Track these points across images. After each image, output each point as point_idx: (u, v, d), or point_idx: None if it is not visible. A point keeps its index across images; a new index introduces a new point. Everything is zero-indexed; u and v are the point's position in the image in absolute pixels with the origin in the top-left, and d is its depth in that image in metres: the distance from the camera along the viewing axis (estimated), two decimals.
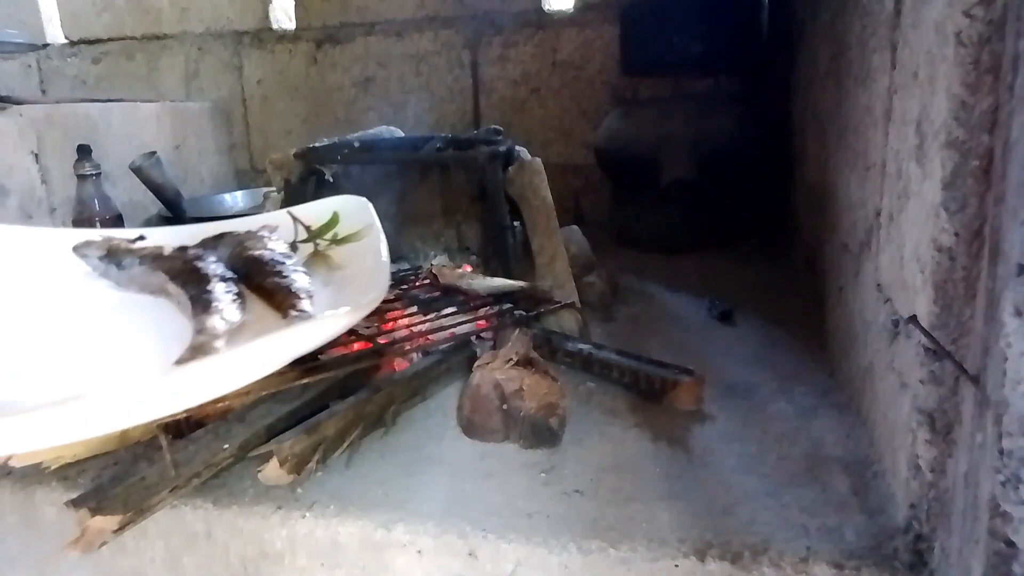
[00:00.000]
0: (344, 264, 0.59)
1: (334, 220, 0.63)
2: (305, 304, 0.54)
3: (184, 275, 0.58)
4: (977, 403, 0.46)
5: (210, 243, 0.62)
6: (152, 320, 0.57)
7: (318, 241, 0.62)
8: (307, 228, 0.63)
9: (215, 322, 0.54)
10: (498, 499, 0.66)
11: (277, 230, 0.61)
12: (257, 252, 0.57)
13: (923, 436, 0.54)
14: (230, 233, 0.59)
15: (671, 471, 0.70)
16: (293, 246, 0.64)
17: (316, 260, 0.61)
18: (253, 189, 1.99)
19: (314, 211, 0.65)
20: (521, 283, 0.97)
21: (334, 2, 1.97)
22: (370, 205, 0.63)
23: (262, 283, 0.55)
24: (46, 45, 1.93)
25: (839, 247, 0.91)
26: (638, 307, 1.20)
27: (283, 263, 0.56)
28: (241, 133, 2.07)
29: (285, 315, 0.52)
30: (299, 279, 0.56)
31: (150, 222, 1.84)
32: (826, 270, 1.01)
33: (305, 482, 0.70)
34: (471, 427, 0.78)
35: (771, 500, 0.65)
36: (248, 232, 0.59)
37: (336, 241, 0.61)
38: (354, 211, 0.63)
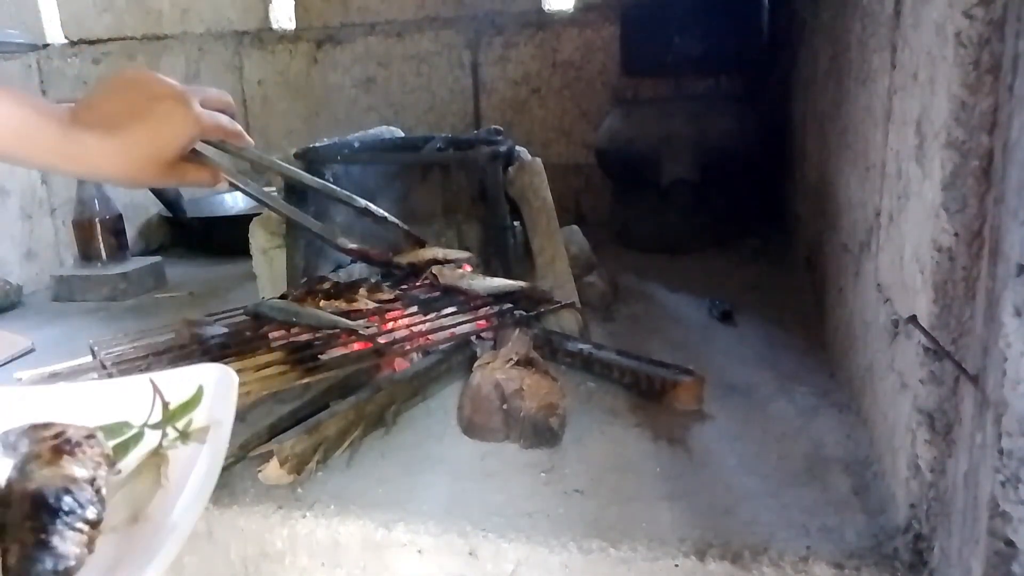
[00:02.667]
0: (170, 481, 0.48)
1: (196, 398, 0.54)
2: None
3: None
4: (977, 403, 0.46)
5: (11, 438, 0.48)
6: None
7: (167, 430, 0.52)
8: (165, 405, 0.54)
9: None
10: (498, 499, 0.66)
11: (95, 438, 0.47)
12: (36, 485, 0.42)
13: (923, 436, 0.54)
14: (38, 429, 0.47)
15: (671, 471, 0.70)
16: (117, 444, 0.51)
17: (149, 465, 0.49)
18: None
19: (177, 381, 0.55)
20: (521, 283, 0.97)
21: (334, 2, 1.97)
22: (236, 383, 0.54)
23: (7, 550, 0.40)
24: (46, 45, 1.93)
25: (839, 247, 0.91)
26: (638, 307, 1.20)
27: (58, 511, 0.41)
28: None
29: None
30: (65, 545, 0.40)
31: (150, 222, 1.85)
32: (826, 270, 1.01)
33: (306, 482, 0.70)
34: (471, 427, 0.78)
35: (771, 500, 0.65)
36: (57, 435, 0.46)
37: (184, 435, 0.51)
38: (216, 391, 0.54)
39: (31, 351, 1.12)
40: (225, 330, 0.94)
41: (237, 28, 2.04)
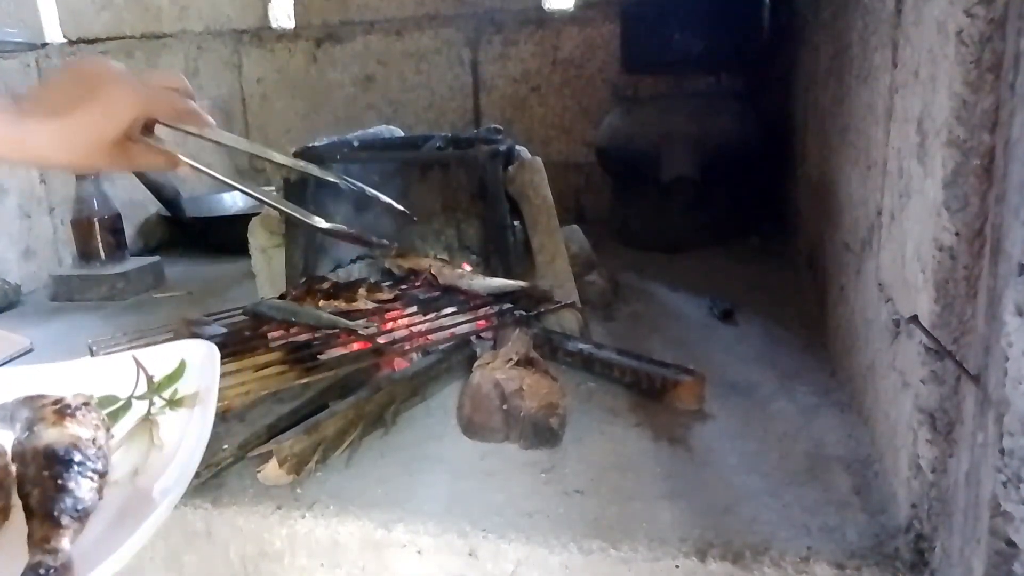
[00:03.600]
0: (164, 441, 0.51)
1: (179, 371, 0.57)
2: (62, 540, 0.40)
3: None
4: (978, 402, 0.45)
5: (8, 409, 0.52)
6: None
7: (154, 399, 0.55)
8: (149, 379, 0.56)
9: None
10: (498, 499, 0.66)
11: (91, 403, 0.51)
12: (45, 442, 0.45)
13: (924, 435, 0.54)
14: (35, 399, 0.50)
15: (672, 470, 0.70)
16: (108, 414, 0.54)
17: (141, 430, 0.53)
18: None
19: (160, 356, 0.58)
20: (521, 283, 0.97)
21: (334, 0, 1.97)
22: (218, 355, 0.57)
23: (28, 494, 0.43)
24: (45, 44, 1.93)
25: (840, 246, 0.91)
26: (639, 306, 1.20)
27: (70, 462, 0.45)
28: (240, 132, 2.06)
29: (31, 553, 0.40)
30: (81, 490, 0.44)
31: (149, 221, 1.84)
32: (827, 269, 1.00)
33: (305, 482, 0.70)
34: (471, 427, 0.77)
35: (772, 499, 0.65)
36: (56, 402, 0.49)
37: (172, 402, 0.54)
38: (200, 363, 0.57)
39: (30, 350, 1.12)
40: (224, 330, 0.94)
41: (236, 26, 2.04)
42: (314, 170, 0.72)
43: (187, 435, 0.50)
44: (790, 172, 1.49)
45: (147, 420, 0.54)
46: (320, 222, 0.72)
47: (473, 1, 1.88)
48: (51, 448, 0.45)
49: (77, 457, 0.45)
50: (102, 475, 0.46)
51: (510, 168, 1.06)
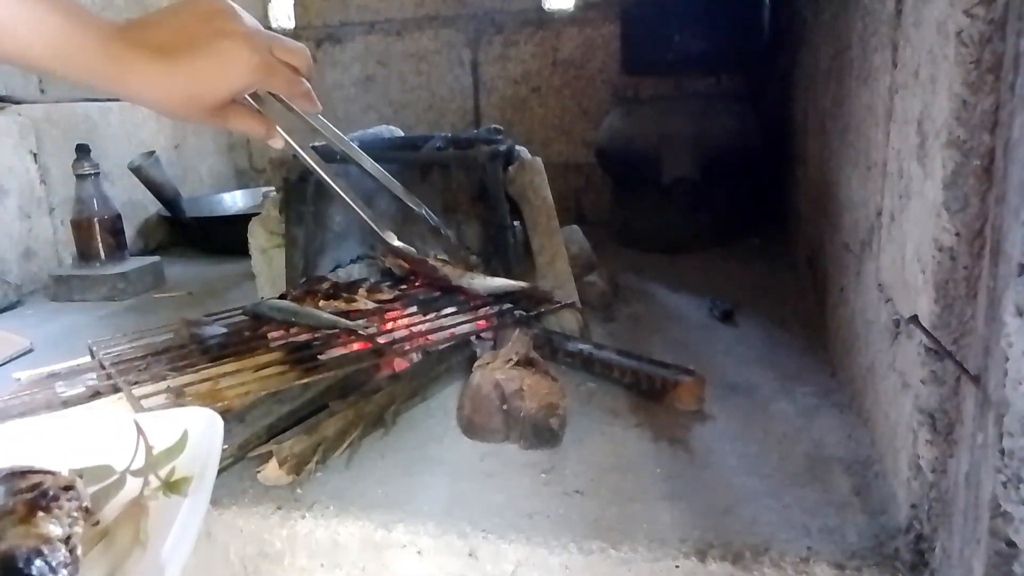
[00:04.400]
0: (148, 538, 0.46)
1: (180, 444, 0.52)
2: None
3: None
4: (978, 403, 0.45)
5: None
6: None
7: (150, 478, 0.50)
8: (148, 449, 0.52)
9: None
10: (498, 499, 0.66)
11: (75, 489, 0.46)
12: (6, 545, 0.40)
13: (924, 436, 0.54)
14: (15, 479, 0.45)
15: (672, 471, 0.70)
16: (98, 491, 0.50)
17: (128, 519, 0.48)
18: (252, 188, 1.99)
19: (162, 424, 0.53)
20: (522, 283, 0.97)
21: (334, 1, 1.97)
22: (221, 429, 0.52)
23: None
24: None
25: (840, 246, 0.91)
26: (639, 307, 1.20)
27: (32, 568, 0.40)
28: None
29: None
30: None
31: (149, 222, 1.84)
32: (827, 270, 1.00)
33: (305, 482, 0.70)
34: (471, 427, 0.77)
35: (772, 500, 0.65)
36: (33, 487, 0.44)
37: (168, 485, 0.49)
38: (202, 436, 0.52)
39: (29, 351, 1.12)
40: (224, 330, 0.94)
41: None
42: (396, 189, 0.72)
43: (174, 533, 0.45)
44: (790, 173, 1.49)
45: (137, 505, 0.49)
46: (392, 237, 0.71)
47: (473, 2, 1.88)
48: (11, 556, 0.40)
49: (36, 570, 0.40)
50: None
51: (510, 169, 1.06)
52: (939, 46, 0.52)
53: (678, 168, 1.45)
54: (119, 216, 1.47)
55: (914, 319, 0.55)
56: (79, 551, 0.43)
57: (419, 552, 0.63)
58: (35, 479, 0.45)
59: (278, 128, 0.61)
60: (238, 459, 0.71)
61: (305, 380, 0.78)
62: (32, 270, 1.50)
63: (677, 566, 0.58)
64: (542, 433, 0.74)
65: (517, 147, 1.10)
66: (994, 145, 0.46)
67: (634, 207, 1.62)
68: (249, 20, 0.55)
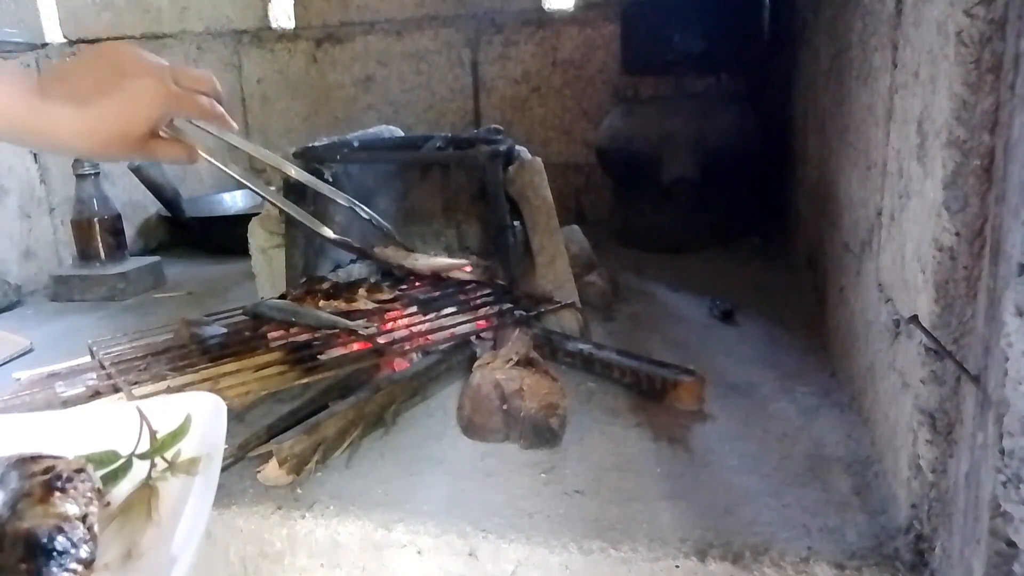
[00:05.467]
0: (162, 515, 0.47)
1: (184, 427, 0.52)
2: None
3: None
4: (978, 403, 0.45)
5: None
6: None
7: (156, 461, 0.51)
8: (152, 434, 0.52)
9: None
10: (499, 499, 0.66)
11: (86, 472, 0.47)
12: (27, 525, 0.42)
13: (924, 436, 0.54)
14: (27, 463, 0.46)
15: (672, 471, 0.70)
16: (106, 474, 0.50)
17: (140, 499, 0.49)
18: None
19: (165, 409, 0.54)
20: (462, 261, 1.01)
21: (334, 1, 1.97)
22: (224, 411, 0.53)
23: None
24: (45, 44, 1.93)
25: (840, 246, 0.91)
26: (639, 306, 1.20)
27: (52, 551, 0.41)
28: (241, 132, 2.06)
29: None
30: None
31: (149, 222, 1.85)
32: (827, 269, 1.00)
33: (305, 482, 0.70)
34: (471, 427, 0.77)
35: (772, 500, 0.65)
36: (47, 470, 0.45)
37: (176, 467, 0.50)
38: (207, 419, 0.53)
39: (30, 351, 1.12)
40: (224, 330, 0.94)
41: (236, 27, 2.04)
42: (324, 188, 0.73)
43: (187, 510, 0.46)
44: (790, 173, 1.49)
45: (147, 486, 0.50)
46: (328, 232, 0.72)
47: (473, 2, 1.88)
48: (33, 535, 0.42)
49: (60, 545, 0.42)
50: (88, 563, 0.43)
51: (510, 169, 1.06)
52: (939, 46, 0.52)
53: (678, 168, 1.45)
54: (119, 216, 1.47)
55: (914, 319, 0.55)
56: (96, 529, 0.44)
57: (419, 552, 0.63)
58: (47, 463, 0.46)
59: (200, 152, 0.64)
60: (238, 459, 0.71)
61: (305, 380, 0.78)
62: (32, 270, 1.50)
63: (677, 566, 0.58)
64: (542, 433, 0.74)
65: (517, 147, 1.10)
66: (994, 145, 0.46)
67: (634, 207, 1.61)
68: (152, 58, 0.60)
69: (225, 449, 0.69)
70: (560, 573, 0.60)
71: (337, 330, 0.88)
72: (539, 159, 1.08)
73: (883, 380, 0.68)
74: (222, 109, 0.64)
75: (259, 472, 0.69)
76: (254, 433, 0.73)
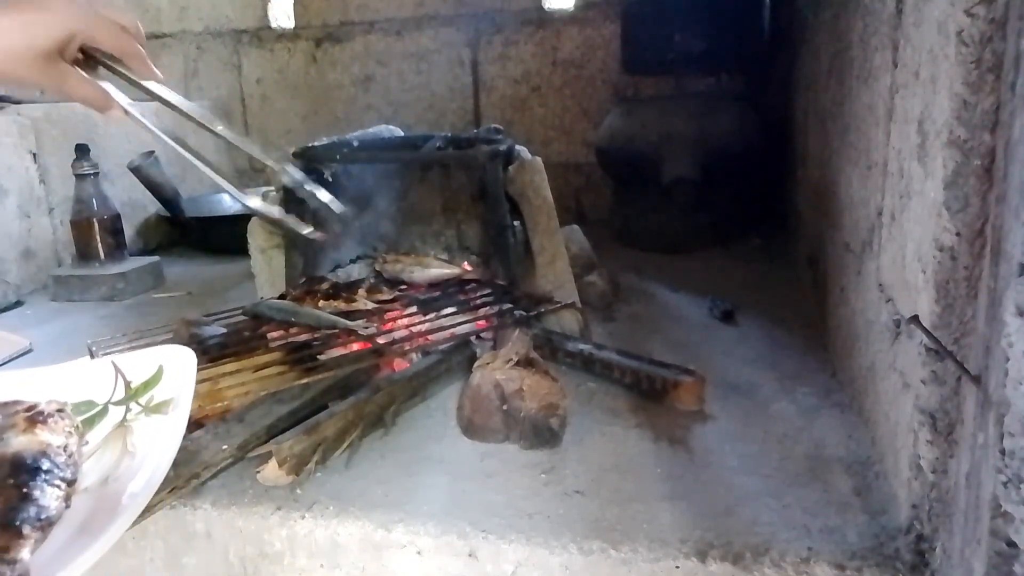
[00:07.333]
0: (137, 448, 0.51)
1: (157, 376, 0.56)
2: (22, 551, 0.40)
3: None
4: (979, 403, 0.45)
5: None
6: None
7: (131, 405, 0.55)
8: (127, 384, 0.56)
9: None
10: (498, 499, 0.66)
11: (65, 411, 0.50)
12: (14, 450, 0.45)
13: (925, 436, 0.54)
14: (8, 405, 0.49)
15: (672, 471, 0.70)
16: (84, 420, 0.54)
17: (116, 436, 0.53)
18: (252, 188, 1.99)
19: (138, 362, 0.58)
20: (456, 269, 1.02)
21: (334, 1, 1.97)
22: (194, 361, 0.57)
23: None
24: None
25: (841, 246, 0.90)
26: (639, 307, 1.20)
27: (37, 470, 0.44)
28: (240, 132, 2.06)
29: None
30: (46, 498, 0.43)
31: (149, 222, 1.84)
32: (828, 270, 1.00)
33: (305, 482, 0.69)
34: (471, 427, 0.77)
35: (773, 500, 0.64)
36: (29, 408, 0.48)
37: (149, 409, 0.54)
38: (178, 368, 0.57)
39: (29, 351, 1.12)
40: (223, 330, 0.94)
41: (236, 26, 2.04)
42: (269, 162, 0.68)
43: (159, 442, 0.50)
44: (790, 173, 1.49)
45: (122, 426, 0.54)
46: (253, 199, 0.67)
47: (473, 1, 1.88)
48: (19, 456, 0.45)
49: (45, 465, 0.45)
50: (70, 483, 0.46)
51: (510, 168, 1.06)
52: (940, 46, 0.52)
53: (678, 168, 1.45)
54: (119, 216, 1.47)
55: (915, 319, 0.55)
56: (75, 457, 0.48)
57: (419, 552, 0.62)
58: (28, 404, 0.49)
59: (116, 99, 0.60)
60: (238, 459, 0.71)
61: (305, 380, 0.78)
62: (32, 270, 1.50)
63: (677, 566, 0.57)
64: (542, 433, 0.74)
65: (517, 147, 1.10)
66: (995, 145, 0.46)
67: (634, 207, 1.61)
68: None
69: (225, 449, 0.69)
70: (560, 573, 0.60)
71: (337, 330, 0.88)
72: (539, 159, 1.08)
73: (884, 380, 0.68)
74: (142, 50, 0.60)
75: (259, 472, 0.69)
76: (254, 433, 0.72)
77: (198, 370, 0.79)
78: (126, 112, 0.61)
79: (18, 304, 1.41)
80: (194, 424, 0.74)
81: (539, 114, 1.90)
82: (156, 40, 2.04)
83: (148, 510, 0.64)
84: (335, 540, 0.64)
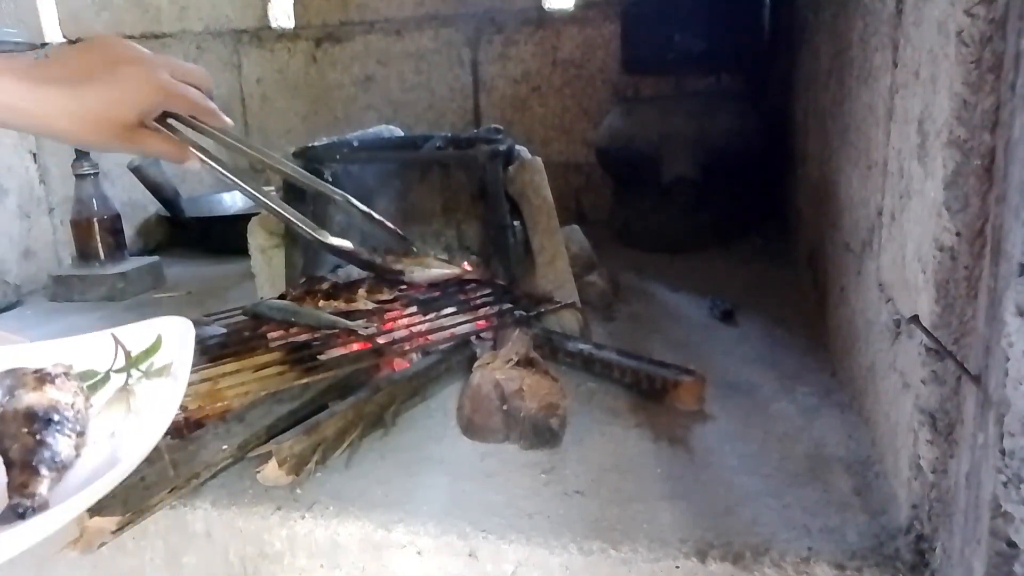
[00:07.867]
0: (139, 408, 0.54)
1: (156, 345, 0.59)
2: (40, 486, 0.43)
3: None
4: (979, 403, 0.45)
5: None
6: None
7: (132, 371, 0.58)
8: (127, 353, 0.58)
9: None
10: (498, 499, 0.66)
11: (71, 371, 0.53)
12: (26, 404, 0.48)
13: (925, 436, 0.54)
14: (16, 370, 0.51)
15: (672, 471, 0.70)
16: (88, 386, 0.56)
17: (119, 399, 0.56)
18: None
19: (137, 333, 0.60)
20: (456, 269, 1.01)
21: (334, 1, 1.97)
22: (192, 329, 0.59)
23: (8, 449, 0.46)
24: (45, 44, 1.93)
25: (841, 246, 0.90)
26: (639, 306, 1.20)
27: (49, 420, 0.47)
28: (240, 132, 2.06)
29: (10, 498, 0.43)
30: (59, 444, 0.46)
31: (149, 222, 1.84)
32: (828, 269, 1.00)
33: (305, 482, 0.70)
34: (471, 427, 0.77)
35: (773, 500, 0.64)
36: (37, 371, 0.51)
37: (150, 373, 0.57)
38: (176, 337, 0.59)
39: None
40: (223, 330, 0.94)
41: (236, 26, 2.04)
42: (323, 187, 0.72)
43: (160, 400, 0.53)
44: (790, 172, 1.49)
45: (124, 390, 0.56)
46: (327, 236, 0.69)
47: (473, 1, 1.88)
48: (31, 409, 0.47)
49: (56, 417, 0.48)
50: (80, 434, 0.49)
51: (510, 168, 1.06)
52: (940, 45, 0.52)
53: (678, 168, 1.45)
54: (118, 216, 1.47)
55: (915, 319, 0.55)
56: (83, 415, 0.50)
57: (419, 552, 0.63)
58: (34, 368, 0.52)
59: (192, 149, 0.62)
60: (238, 459, 0.71)
61: (305, 380, 0.78)
62: (32, 270, 1.50)
63: (677, 566, 0.57)
64: (542, 433, 0.74)
65: (517, 147, 1.10)
66: (995, 145, 0.46)
67: (634, 207, 1.61)
68: (144, 50, 0.60)
69: (225, 449, 0.70)
70: (560, 573, 0.60)
71: (337, 330, 0.88)
72: (539, 159, 1.08)
73: (884, 380, 0.68)
74: (213, 105, 0.63)
75: (259, 472, 0.69)
76: (254, 433, 0.72)
77: (197, 371, 0.79)
78: (202, 160, 0.63)
79: (18, 304, 1.42)
80: (194, 424, 0.74)
81: (539, 114, 1.90)
82: (156, 40, 2.04)
83: (148, 510, 0.64)
84: (335, 540, 0.64)
